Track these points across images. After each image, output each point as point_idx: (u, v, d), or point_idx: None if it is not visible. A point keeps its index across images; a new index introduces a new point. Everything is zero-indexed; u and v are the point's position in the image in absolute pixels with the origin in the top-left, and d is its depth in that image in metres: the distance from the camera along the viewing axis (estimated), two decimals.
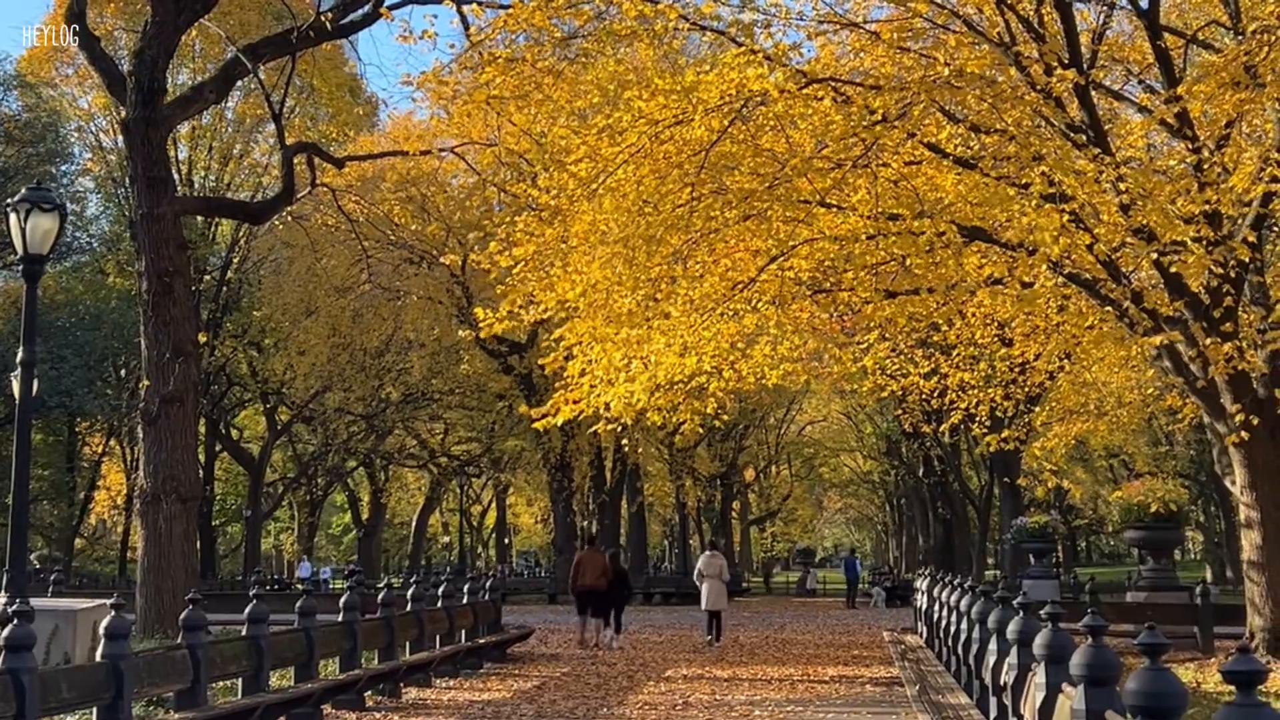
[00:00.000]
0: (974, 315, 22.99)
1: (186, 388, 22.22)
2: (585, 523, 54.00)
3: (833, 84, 16.73)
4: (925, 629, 24.36)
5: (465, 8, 20.62)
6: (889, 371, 25.48)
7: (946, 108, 17.67)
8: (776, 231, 17.17)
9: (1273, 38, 16.36)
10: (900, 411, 37.78)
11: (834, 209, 17.87)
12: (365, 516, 67.06)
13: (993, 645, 12.68)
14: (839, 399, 57.53)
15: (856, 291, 18.58)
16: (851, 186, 17.66)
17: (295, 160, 26.16)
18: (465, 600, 22.44)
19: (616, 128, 16.56)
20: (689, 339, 18.26)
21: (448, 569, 51.91)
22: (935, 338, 25.80)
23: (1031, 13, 18.24)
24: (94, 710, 10.85)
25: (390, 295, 42.09)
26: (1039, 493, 39.82)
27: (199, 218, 44.45)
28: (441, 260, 37.31)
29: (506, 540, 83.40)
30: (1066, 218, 15.72)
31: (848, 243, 17.66)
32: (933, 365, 25.89)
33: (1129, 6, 19.89)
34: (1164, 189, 16.86)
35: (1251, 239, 18.21)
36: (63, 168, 47.69)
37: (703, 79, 16.03)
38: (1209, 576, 54.32)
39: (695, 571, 27.31)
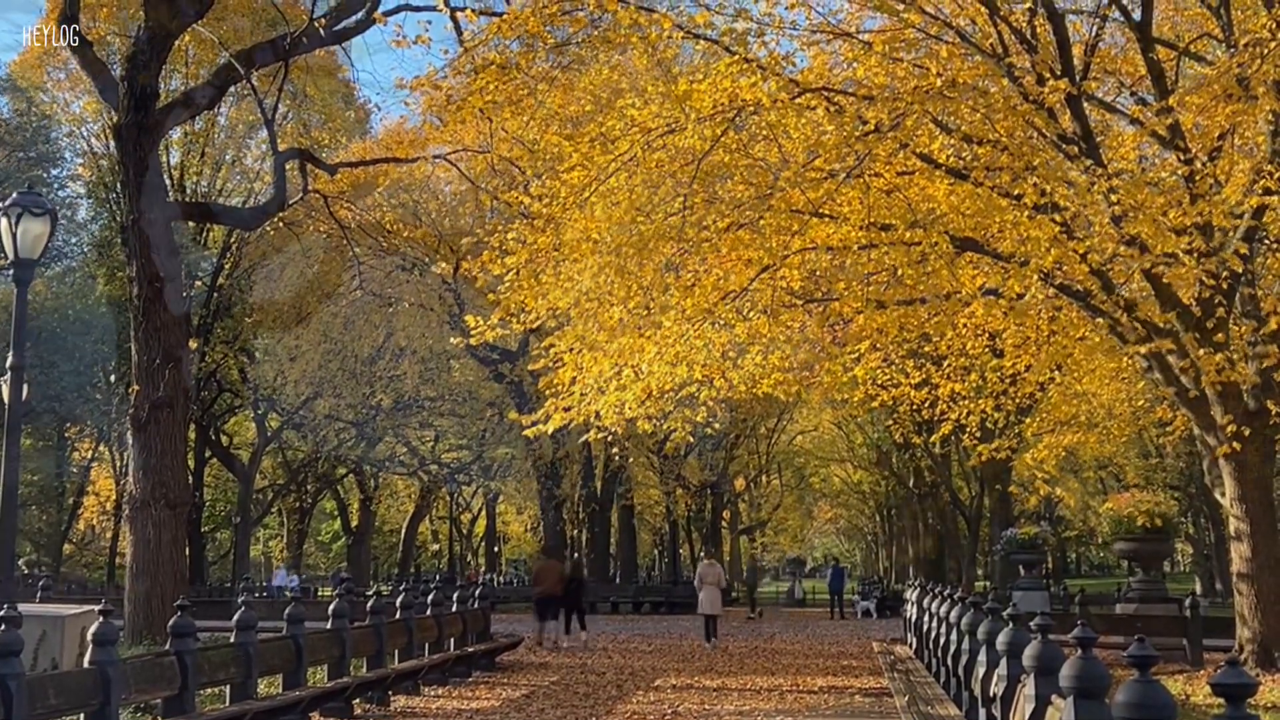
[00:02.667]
0: (965, 326, 22.99)
1: (176, 393, 22.17)
2: (575, 531, 53.97)
3: (825, 94, 16.74)
4: (915, 640, 24.36)
5: (459, 14, 20.60)
6: (880, 382, 25.46)
7: (939, 118, 17.69)
8: (769, 241, 17.16)
9: (1265, 50, 16.40)
10: (891, 422, 37.78)
11: (826, 219, 17.87)
12: (355, 524, 66.90)
13: (982, 656, 12.68)
14: (830, 409, 57.51)
15: (847, 301, 18.59)
16: (845, 197, 17.66)
17: (287, 166, 26.12)
18: (454, 608, 22.42)
19: (609, 135, 16.55)
20: (680, 349, 18.25)
21: (437, 577, 51.87)
22: (926, 348, 25.80)
23: (1024, 24, 18.27)
24: (81, 716, 10.81)
25: (382, 302, 42.06)
26: (1030, 502, 39.83)
27: (190, 223, 44.39)
28: (433, 269, 37.29)
29: (496, 548, 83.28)
30: (1058, 229, 15.74)
31: (840, 253, 17.67)
32: (924, 376, 25.88)
33: (1121, 19, 19.94)
34: (1156, 201, 16.89)
35: (1243, 251, 18.25)
36: (53, 172, 47.64)
37: (695, 87, 16.03)
38: (1198, 589, 54.36)
39: (696, 578, 29.48)
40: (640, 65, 18.86)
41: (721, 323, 18.28)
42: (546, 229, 17.93)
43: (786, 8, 16.91)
